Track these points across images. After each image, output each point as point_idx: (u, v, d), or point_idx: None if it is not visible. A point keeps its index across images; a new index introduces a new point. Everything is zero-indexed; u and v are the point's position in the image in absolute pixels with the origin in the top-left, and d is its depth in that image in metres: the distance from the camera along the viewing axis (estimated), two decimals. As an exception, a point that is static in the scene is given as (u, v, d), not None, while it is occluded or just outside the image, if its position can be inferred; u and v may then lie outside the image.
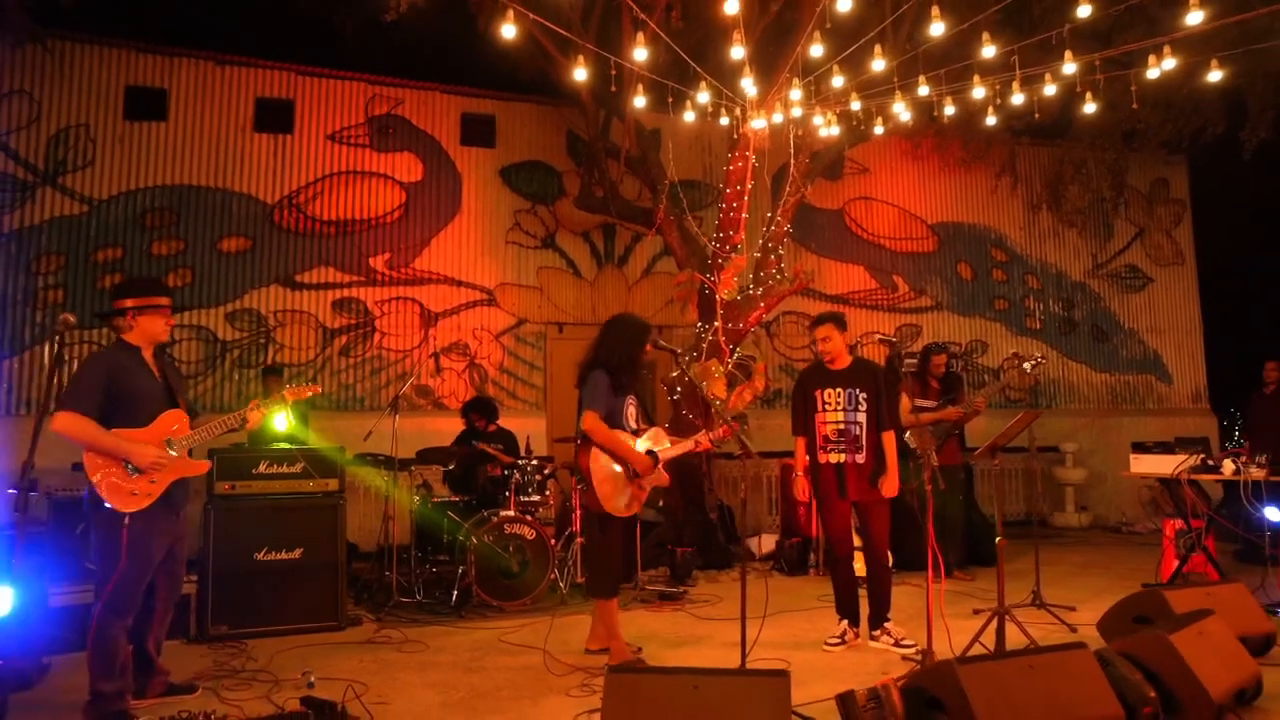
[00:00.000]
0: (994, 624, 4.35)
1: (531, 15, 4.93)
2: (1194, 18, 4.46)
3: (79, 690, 3.66)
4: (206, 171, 8.50)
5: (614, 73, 5.35)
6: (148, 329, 3.88)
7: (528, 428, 7.98)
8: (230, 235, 8.52)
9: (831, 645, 4.68)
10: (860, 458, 4.74)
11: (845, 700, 2.95)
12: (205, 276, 8.40)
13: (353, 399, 8.73)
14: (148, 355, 3.90)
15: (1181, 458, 5.84)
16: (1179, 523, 6.33)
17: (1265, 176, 10.61)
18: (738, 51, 4.86)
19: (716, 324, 7.74)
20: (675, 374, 8.07)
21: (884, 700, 2.89)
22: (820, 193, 10.51)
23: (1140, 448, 6.35)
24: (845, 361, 4.94)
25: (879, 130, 6.90)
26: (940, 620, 4.06)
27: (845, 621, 4.76)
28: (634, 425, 4.44)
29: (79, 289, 8.01)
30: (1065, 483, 10.38)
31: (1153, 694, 3.17)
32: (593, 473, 4.24)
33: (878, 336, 4.91)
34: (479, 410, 7.22)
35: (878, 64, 4.90)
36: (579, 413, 4.40)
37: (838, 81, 5.96)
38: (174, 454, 3.75)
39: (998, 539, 4.59)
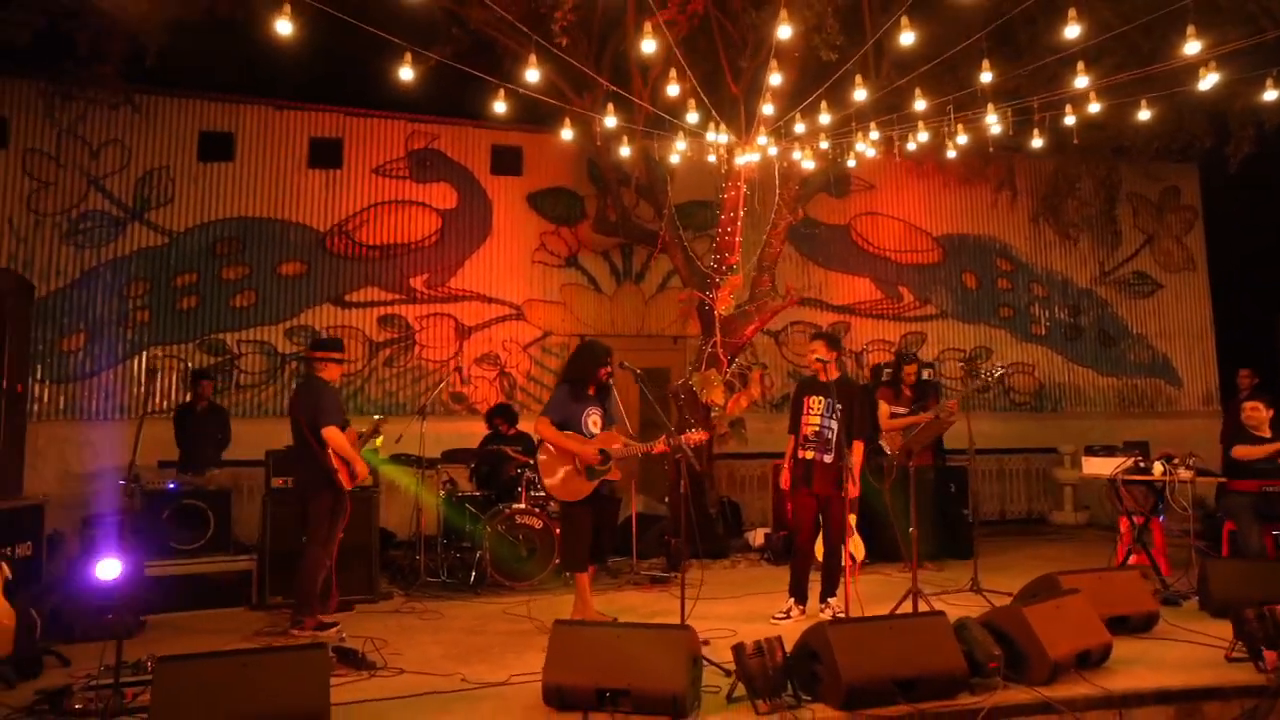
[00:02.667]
0: (908, 601, 5.09)
1: (498, 94, 5.78)
2: (1081, 81, 5.15)
3: (170, 640, 4.69)
4: (267, 204, 9.64)
5: (598, 129, 6.22)
6: (333, 373, 5.69)
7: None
8: (288, 260, 9.64)
9: (778, 619, 5.47)
10: (828, 458, 5.52)
11: (737, 649, 3.76)
12: (267, 297, 9.53)
13: (395, 404, 9.76)
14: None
15: (1119, 460, 6.46)
16: (1139, 520, 6.92)
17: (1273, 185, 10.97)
18: (693, 117, 5.68)
19: (715, 337, 8.56)
20: (679, 383, 8.92)
21: (767, 651, 3.70)
22: (827, 209, 11.24)
23: (1091, 450, 6.96)
24: (832, 375, 5.70)
25: (851, 163, 7.65)
26: (857, 601, 4.84)
27: (793, 599, 5.55)
28: (592, 430, 5.32)
29: (161, 310, 9.20)
30: (1064, 483, 10.89)
31: (998, 651, 3.91)
32: (541, 467, 5.18)
33: (750, 363, 5.61)
34: (501, 416, 8.15)
35: (817, 119, 5.66)
36: None
37: (823, 118, 6.72)
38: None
39: (910, 529, 5.31)
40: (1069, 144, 9.72)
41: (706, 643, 4.44)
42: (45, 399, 8.84)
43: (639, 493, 9.98)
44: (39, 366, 8.81)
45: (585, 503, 5.33)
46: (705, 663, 4.06)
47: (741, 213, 8.35)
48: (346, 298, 9.81)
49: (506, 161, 10.52)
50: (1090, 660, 4.17)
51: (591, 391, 5.46)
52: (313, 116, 9.90)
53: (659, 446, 5.65)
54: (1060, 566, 7.55)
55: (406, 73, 4.78)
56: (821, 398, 5.57)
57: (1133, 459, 6.38)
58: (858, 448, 5.45)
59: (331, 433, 5.49)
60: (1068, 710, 3.76)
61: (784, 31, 4.58)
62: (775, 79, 5.29)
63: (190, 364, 9.20)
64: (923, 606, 4.99)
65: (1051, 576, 4.93)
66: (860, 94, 5.25)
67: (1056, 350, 11.89)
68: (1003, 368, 7.91)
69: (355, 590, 6.17)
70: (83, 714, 3.67)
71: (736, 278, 8.49)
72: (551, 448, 5.27)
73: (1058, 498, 11.01)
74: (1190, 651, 4.59)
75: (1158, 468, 6.24)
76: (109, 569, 5.12)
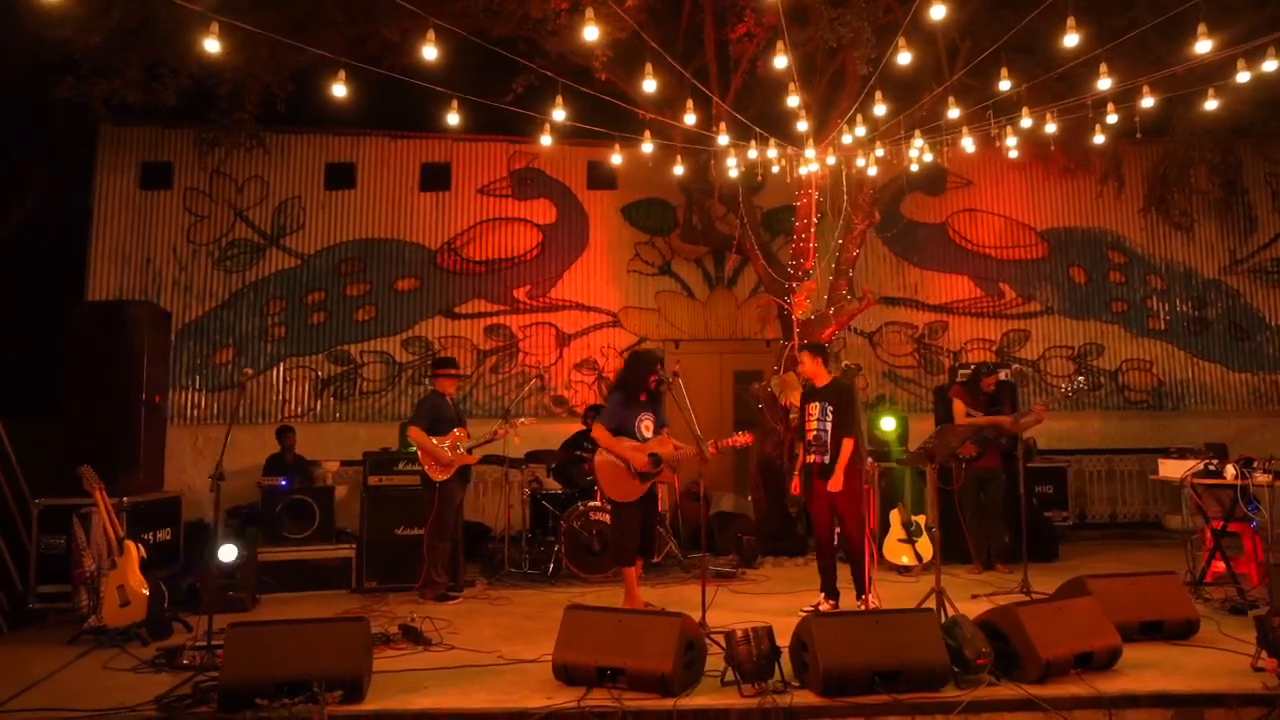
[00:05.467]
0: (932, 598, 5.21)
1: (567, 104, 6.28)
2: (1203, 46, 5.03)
3: (274, 614, 5.49)
4: (385, 226, 10.64)
5: (632, 151, 6.63)
6: (447, 386, 6.83)
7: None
8: (404, 277, 10.60)
9: (805, 613, 5.69)
10: (826, 458, 5.74)
11: (729, 636, 4.10)
12: (385, 311, 10.53)
13: (501, 408, 10.51)
14: (448, 398, 6.80)
15: (1191, 463, 6.25)
16: (1217, 525, 6.64)
17: None
18: (713, 130, 5.98)
19: (793, 341, 8.78)
20: (758, 385, 9.20)
21: (754, 639, 4.01)
22: (923, 208, 11.16)
23: (1166, 453, 6.73)
24: (824, 380, 5.95)
25: (915, 169, 7.70)
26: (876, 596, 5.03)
27: (824, 594, 5.78)
28: (645, 435, 5.73)
29: (295, 325, 10.37)
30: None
31: (986, 649, 4.05)
32: (598, 469, 5.62)
33: (844, 364, 5.80)
34: (594, 415, 8.70)
35: (884, 124, 5.83)
36: None
37: (856, 130, 6.87)
38: (461, 449, 6.53)
39: (933, 529, 5.41)
40: (1177, 128, 9.33)
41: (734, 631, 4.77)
42: (203, 405, 10.17)
43: (731, 491, 10.36)
44: (197, 377, 10.16)
45: (635, 503, 5.76)
46: (717, 648, 4.41)
47: (815, 219, 8.54)
48: (456, 310, 10.67)
49: (602, 176, 11.06)
50: (1094, 662, 4.21)
51: (644, 398, 5.86)
52: (424, 143, 10.81)
53: (710, 450, 6.02)
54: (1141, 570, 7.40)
55: (453, 118, 5.38)
56: (818, 403, 5.78)
57: (1203, 462, 6.17)
58: (846, 444, 5.60)
59: (412, 432, 6.40)
60: (1052, 708, 3.86)
61: (780, 62, 4.84)
62: (793, 100, 5.54)
63: (319, 374, 10.32)
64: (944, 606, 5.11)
65: (1080, 579, 4.94)
66: (876, 108, 5.38)
67: (1179, 345, 11.25)
68: (1081, 380, 7.93)
69: (439, 577, 6.84)
70: (188, 667, 4.48)
71: (812, 282, 8.68)
72: (608, 452, 5.71)
73: (1175, 500, 10.42)
74: (1219, 659, 4.51)
75: (1229, 471, 6.01)
76: (228, 553, 6.05)
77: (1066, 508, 9.48)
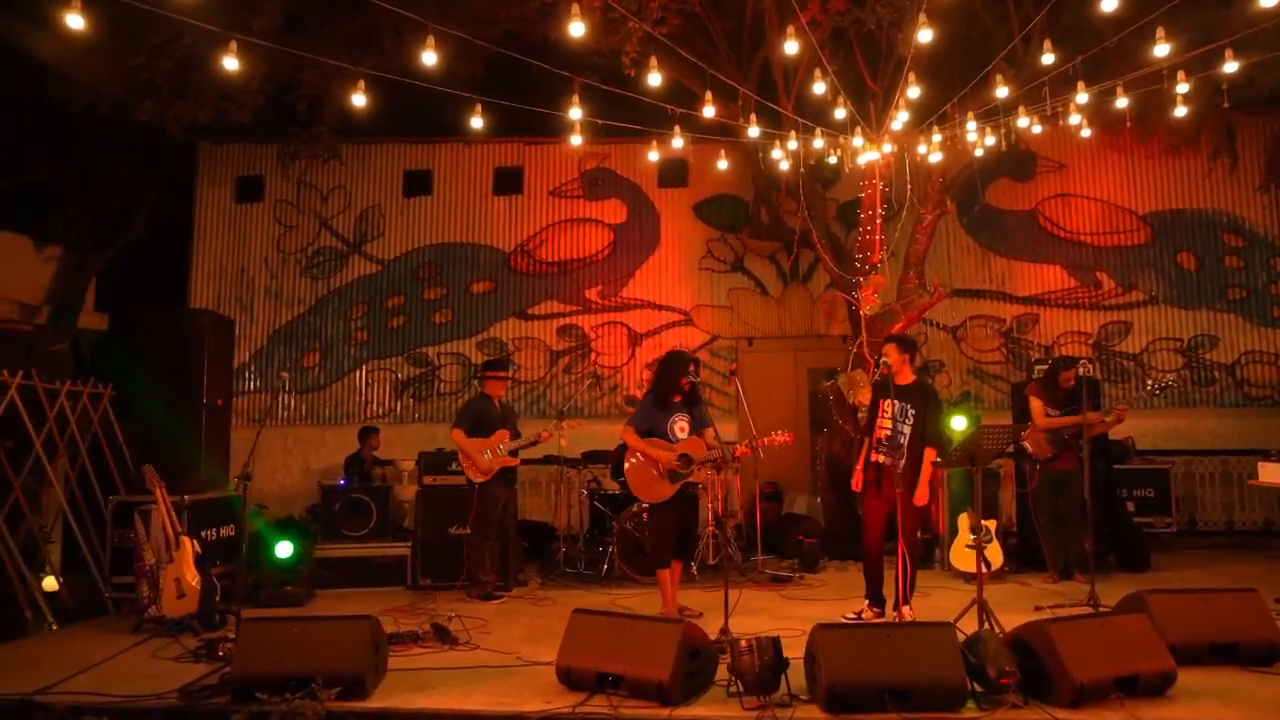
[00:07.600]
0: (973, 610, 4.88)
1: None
2: None
3: (327, 610, 5.68)
4: (460, 230, 10.88)
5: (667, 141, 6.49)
6: (495, 388, 6.91)
7: (721, 431, 9.18)
8: (479, 280, 10.81)
9: (849, 620, 5.45)
10: (899, 461, 5.43)
11: (732, 643, 3.95)
12: (461, 313, 10.76)
13: (572, 408, 10.58)
14: (496, 400, 6.86)
15: (1291, 466, 5.64)
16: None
17: None
18: (741, 122, 5.78)
19: (861, 337, 8.47)
20: (828, 384, 8.92)
21: (758, 649, 3.85)
22: (1010, 195, 10.56)
23: (1267, 456, 6.11)
24: (908, 379, 5.63)
25: (979, 153, 7.26)
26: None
27: (868, 602, 5.51)
28: (679, 436, 5.61)
29: (376, 328, 10.73)
30: (1310, 490, 9.35)
31: (1011, 668, 3.74)
32: (628, 471, 5.53)
33: (884, 361, 5.45)
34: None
35: (953, 110, 5.52)
36: None
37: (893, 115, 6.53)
38: (501, 451, 6.53)
39: (973, 537, 5.06)
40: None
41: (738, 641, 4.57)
42: (292, 407, 10.66)
43: (806, 493, 10.07)
44: (287, 380, 10.65)
45: (669, 504, 5.65)
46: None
47: (880, 211, 8.19)
48: (529, 311, 10.80)
49: (673, 174, 10.96)
50: (1140, 687, 3.83)
51: (678, 399, 5.75)
52: (497, 148, 10.97)
53: (741, 449, 5.90)
54: (1232, 584, 6.71)
55: (477, 121, 5.41)
56: (897, 402, 5.46)
57: (1305, 466, 5.55)
58: (929, 454, 5.29)
59: (453, 435, 6.51)
60: (1081, 735, 3.54)
61: (791, 47, 4.62)
62: (819, 87, 5.29)
63: (399, 375, 10.64)
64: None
65: (1140, 594, 4.52)
66: (935, 93, 5.08)
67: (1309, 336, 10.21)
68: (1171, 378, 7.36)
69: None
70: (222, 659, 4.68)
71: (879, 277, 8.33)
72: (638, 454, 5.63)
73: (1303, 507, 9.49)
74: (1300, 689, 4.03)
75: (1335, 476, 5.39)
76: (284, 550, 6.29)
77: (1170, 513, 8.75)
